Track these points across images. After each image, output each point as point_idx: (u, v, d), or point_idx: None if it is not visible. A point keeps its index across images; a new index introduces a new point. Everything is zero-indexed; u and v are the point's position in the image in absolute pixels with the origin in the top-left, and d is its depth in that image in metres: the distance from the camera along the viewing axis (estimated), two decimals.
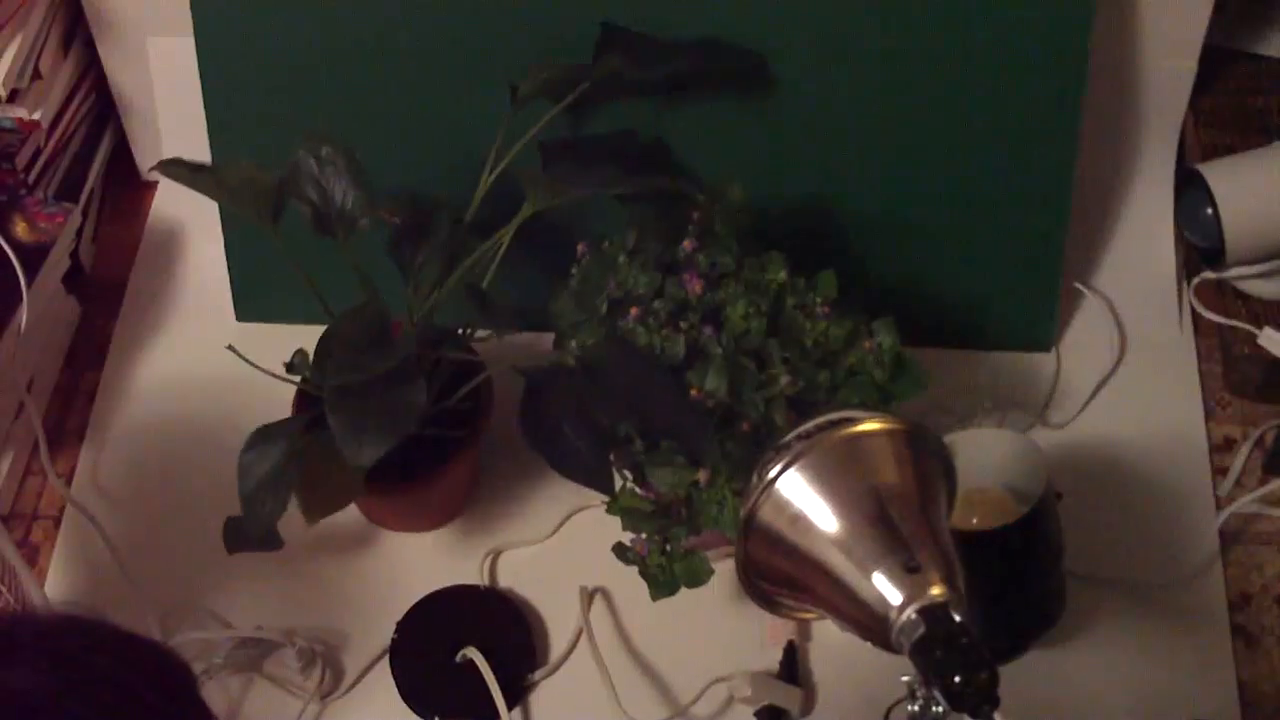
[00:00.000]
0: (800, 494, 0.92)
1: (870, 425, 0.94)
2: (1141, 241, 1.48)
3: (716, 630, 1.30)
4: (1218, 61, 1.49)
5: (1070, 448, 1.40)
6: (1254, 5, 1.50)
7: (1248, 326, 1.37)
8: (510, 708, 1.26)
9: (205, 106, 1.38)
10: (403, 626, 1.30)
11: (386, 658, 1.30)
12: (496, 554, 1.35)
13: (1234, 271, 1.36)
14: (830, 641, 1.29)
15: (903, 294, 1.42)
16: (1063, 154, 1.36)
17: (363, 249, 1.23)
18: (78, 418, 1.44)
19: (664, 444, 1.15)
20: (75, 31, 1.48)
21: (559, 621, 1.32)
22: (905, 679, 0.89)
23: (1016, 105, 1.35)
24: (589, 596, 1.32)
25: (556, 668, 1.29)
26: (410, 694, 1.28)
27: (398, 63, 1.36)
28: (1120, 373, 1.44)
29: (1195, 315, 1.44)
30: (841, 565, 0.90)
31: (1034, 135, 1.36)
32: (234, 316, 1.48)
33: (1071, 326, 1.46)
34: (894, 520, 0.91)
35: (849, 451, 0.93)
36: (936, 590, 0.88)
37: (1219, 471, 1.38)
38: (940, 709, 0.89)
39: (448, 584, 1.33)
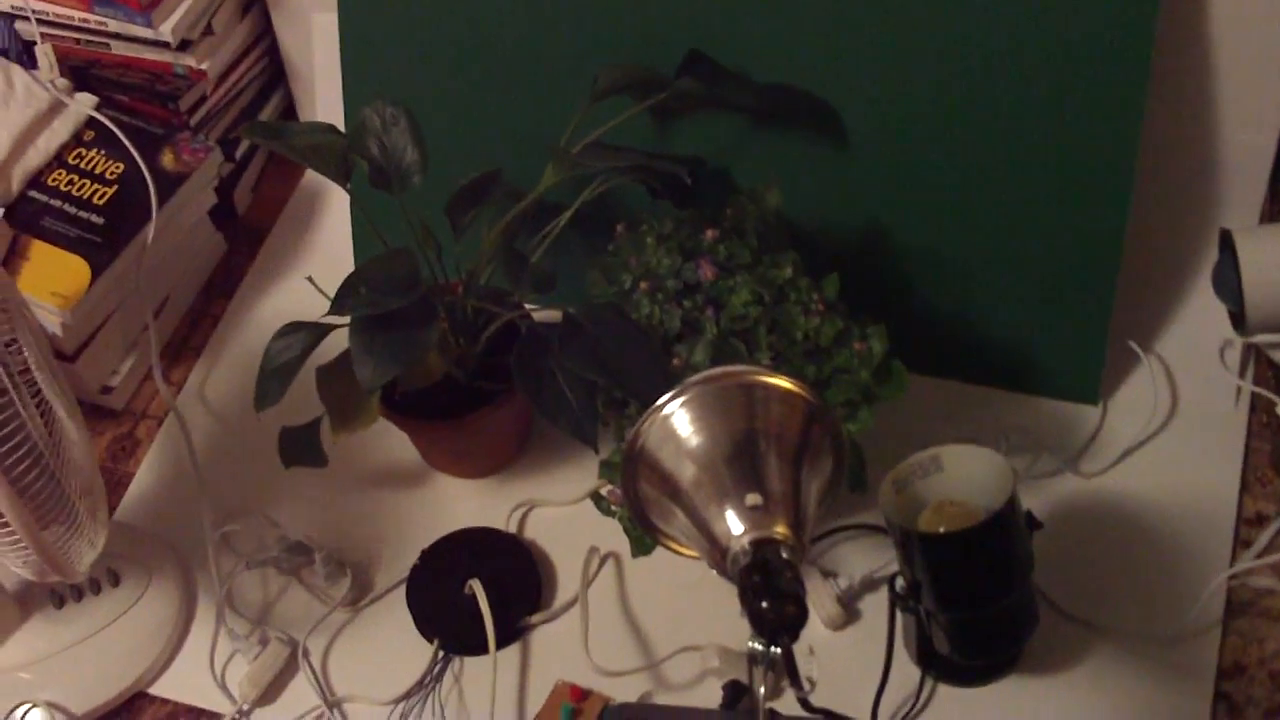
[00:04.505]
0: (684, 426, 0.98)
1: (771, 380, 0.98)
2: (1208, 313, 1.50)
3: (715, 606, 1.36)
4: None
5: (1094, 497, 1.42)
6: None
7: (1271, 395, 1.36)
8: (505, 644, 1.36)
9: (343, 77, 1.54)
10: (426, 555, 1.42)
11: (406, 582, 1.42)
12: (530, 508, 1.46)
13: (1261, 338, 1.36)
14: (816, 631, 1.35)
15: (959, 333, 1.48)
16: (1114, 216, 1.40)
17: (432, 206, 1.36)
18: (201, 337, 1.62)
19: None
20: (254, 1, 1.66)
21: (569, 576, 1.41)
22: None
23: (1069, 165, 1.39)
24: (600, 558, 1.41)
25: (555, 616, 1.39)
26: (420, 615, 1.39)
27: (506, 54, 1.49)
28: (1163, 435, 1.45)
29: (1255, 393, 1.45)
30: (703, 497, 0.96)
31: (1085, 197, 1.40)
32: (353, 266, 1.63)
33: (1126, 385, 1.48)
34: (761, 464, 0.96)
35: (741, 397, 0.98)
36: (779, 529, 0.93)
37: (1243, 544, 1.38)
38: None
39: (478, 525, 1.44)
